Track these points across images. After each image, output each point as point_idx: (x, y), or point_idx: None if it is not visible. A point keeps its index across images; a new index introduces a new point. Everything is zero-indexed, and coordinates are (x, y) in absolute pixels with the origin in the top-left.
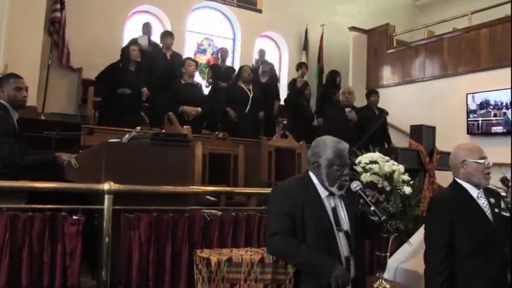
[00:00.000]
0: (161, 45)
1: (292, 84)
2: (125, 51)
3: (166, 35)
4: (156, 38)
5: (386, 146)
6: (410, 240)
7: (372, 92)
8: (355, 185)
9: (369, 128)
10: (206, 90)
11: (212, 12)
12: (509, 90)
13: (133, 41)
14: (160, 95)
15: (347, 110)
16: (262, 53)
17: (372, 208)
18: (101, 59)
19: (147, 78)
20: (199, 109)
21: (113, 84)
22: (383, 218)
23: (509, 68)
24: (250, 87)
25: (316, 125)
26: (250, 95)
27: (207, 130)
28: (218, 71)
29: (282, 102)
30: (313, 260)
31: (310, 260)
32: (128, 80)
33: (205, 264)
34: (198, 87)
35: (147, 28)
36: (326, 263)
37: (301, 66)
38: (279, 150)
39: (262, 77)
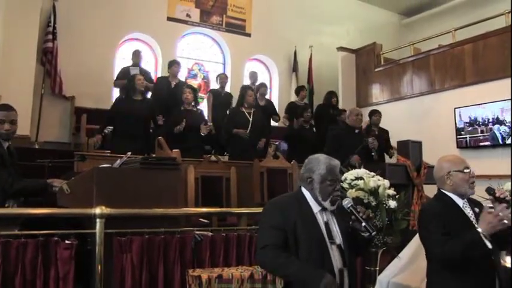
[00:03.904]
0: (168, 73)
1: (290, 107)
2: (131, 81)
3: (173, 63)
4: (145, 65)
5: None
6: (400, 254)
7: (374, 112)
8: (346, 202)
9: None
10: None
11: (202, 37)
12: (494, 104)
13: (125, 71)
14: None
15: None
16: (254, 75)
17: (363, 224)
18: (93, 87)
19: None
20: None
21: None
22: (374, 233)
23: (493, 82)
24: (251, 111)
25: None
26: (250, 120)
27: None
28: (218, 96)
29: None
30: (303, 270)
31: (299, 270)
32: (135, 109)
33: (197, 283)
34: (197, 113)
35: (137, 56)
36: (315, 273)
37: (301, 89)
38: (271, 171)
39: (260, 100)
